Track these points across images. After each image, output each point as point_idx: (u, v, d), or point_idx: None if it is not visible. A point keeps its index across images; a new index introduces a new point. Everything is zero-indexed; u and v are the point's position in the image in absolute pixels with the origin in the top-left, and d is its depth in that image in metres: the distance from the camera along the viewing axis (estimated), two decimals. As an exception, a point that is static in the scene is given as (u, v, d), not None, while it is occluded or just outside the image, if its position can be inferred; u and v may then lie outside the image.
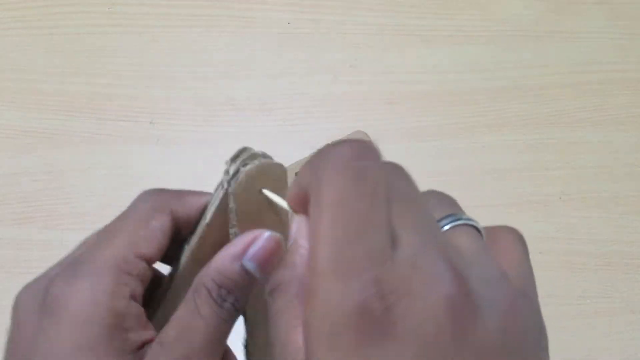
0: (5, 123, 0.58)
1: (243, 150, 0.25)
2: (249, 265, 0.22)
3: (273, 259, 0.22)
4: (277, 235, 0.23)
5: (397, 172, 0.20)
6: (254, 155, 0.24)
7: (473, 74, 0.61)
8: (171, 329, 0.22)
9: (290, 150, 0.57)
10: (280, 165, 0.25)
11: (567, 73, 0.62)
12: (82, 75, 0.60)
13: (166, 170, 0.56)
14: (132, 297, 0.23)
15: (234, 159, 0.24)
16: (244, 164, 0.24)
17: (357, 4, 0.65)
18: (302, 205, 0.19)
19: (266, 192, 0.24)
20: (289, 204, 0.21)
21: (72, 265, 0.23)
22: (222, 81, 0.60)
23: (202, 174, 0.56)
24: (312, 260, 0.17)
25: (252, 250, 0.22)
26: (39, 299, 0.22)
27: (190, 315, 0.22)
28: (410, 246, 0.17)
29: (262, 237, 0.22)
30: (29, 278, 0.48)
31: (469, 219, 0.21)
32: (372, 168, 0.18)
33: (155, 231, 0.24)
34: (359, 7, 0.64)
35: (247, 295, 0.23)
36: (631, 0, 0.66)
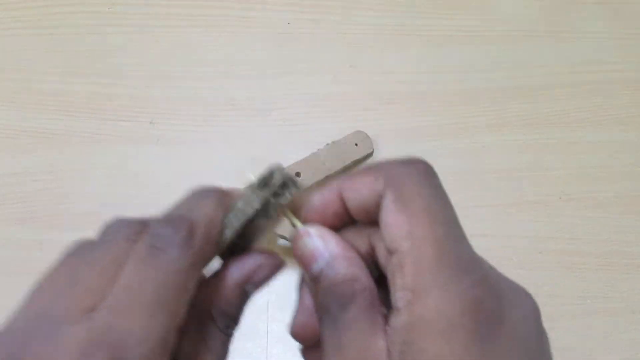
0: (5, 123, 0.58)
1: (273, 172, 0.25)
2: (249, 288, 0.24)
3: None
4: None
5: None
6: (286, 184, 0.24)
7: (473, 74, 0.61)
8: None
9: (290, 150, 0.57)
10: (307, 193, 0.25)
11: (567, 73, 0.62)
12: (82, 75, 0.60)
13: (166, 170, 0.56)
14: None
15: (265, 182, 0.24)
16: (277, 193, 0.24)
17: (357, 4, 0.65)
18: (364, 211, 0.21)
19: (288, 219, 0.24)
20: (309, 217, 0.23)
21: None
22: (222, 81, 0.60)
23: (202, 174, 0.56)
24: (419, 261, 0.18)
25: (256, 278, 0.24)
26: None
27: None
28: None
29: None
30: (29, 278, 0.48)
31: None
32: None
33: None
34: (359, 7, 0.64)
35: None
36: (631, 0, 0.66)
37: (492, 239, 0.54)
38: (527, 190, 0.56)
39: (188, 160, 0.57)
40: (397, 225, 0.20)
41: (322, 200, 0.23)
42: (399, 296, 0.19)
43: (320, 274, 0.21)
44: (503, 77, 0.61)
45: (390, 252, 0.20)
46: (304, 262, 0.23)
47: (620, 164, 0.58)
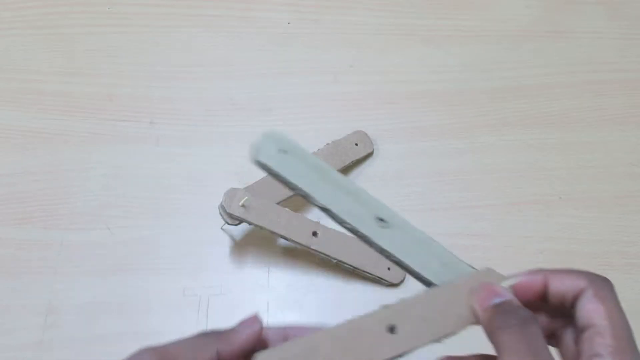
0: (5, 123, 0.58)
1: None
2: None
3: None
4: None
5: None
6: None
7: (473, 74, 0.61)
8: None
9: (290, 150, 0.57)
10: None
11: (567, 73, 0.62)
12: (82, 75, 0.60)
13: (166, 170, 0.56)
14: None
15: None
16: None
17: (357, 4, 0.65)
18: (561, 297, 0.29)
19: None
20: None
21: None
22: (222, 81, 0.60)
23: (202, 174, 0.56)
24: (616, 330, 0.27)
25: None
26: None
27: None
28: None
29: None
30: (29, 278, 0.48)
31: None
32: None
33: None
34: (359, 7, 0.64)
35: None
36: (631, 0, 0.66)
37: (492, 239, 0.54)
38: (527, 190, 0.56)
39: (188, 160, 0.57)
40: (597, 310, 0.27)
41: (530, 279, 0.30)
42: (601, 347, 0.27)
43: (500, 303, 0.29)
44: (503, 77, 0.61)
45: (585, 328, 0.27)
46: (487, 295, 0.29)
47: (620, 164, 0.58)
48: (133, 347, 0.27)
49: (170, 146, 0.57)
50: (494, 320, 0.28)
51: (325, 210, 0.29)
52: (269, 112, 0.59)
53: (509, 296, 0.29)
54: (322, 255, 0.50)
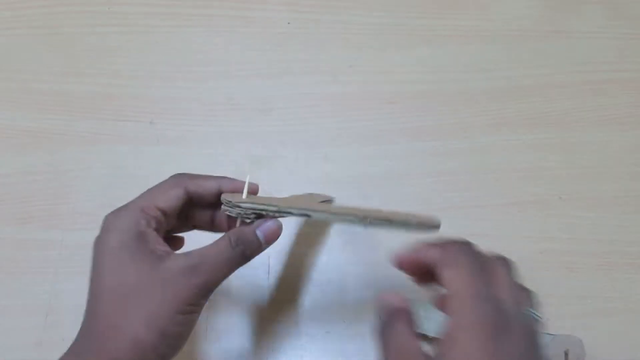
0: (5, 123, 0.58)
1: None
2: (259, 233, 0.38)
3: (273, 235, 0.39)
4: (280, 222, 0.39)
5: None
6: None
7: (473, 74, 0.61)
8: (199, 249, 0.36)
9: (290, 151, 0.57)
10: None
11: (567, 73, 0.62)
12: (82, 75, 0.60)
13: (166, 170, 0.56)
14: (149, 225, 0.36)
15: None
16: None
17: (357, 4, 0.65)
18: (416, 266, 0.35)
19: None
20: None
21: (119, 208, 0.37)
22: (222, 81, 0.60)
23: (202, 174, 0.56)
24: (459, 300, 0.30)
25: (264, 226, 0.38)
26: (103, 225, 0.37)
27: (214, 247, 0.37)
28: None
29: (272, 221, 0.39)
30: (29, 278, 0.48)
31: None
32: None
33: (170, 195, 0.38)
34: (359, 7, 0.64)
35: (253, 250, 0.38)
36: (631, 0, 0.66)
37: (492, 239, 0.53)
38: (527, 190, 0.56)
39: (188, 160, 0.57)
40: (451, 278, 0.31)
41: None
42: (448, 311, 0.30)
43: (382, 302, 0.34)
44: (503, 77, 0.61)
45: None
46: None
47: (620, 164, 0.58)
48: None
49: (170, 146, 0.57)
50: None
51: (305, 215, 0.39)
52: (269, 112, 0.59)
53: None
54: (347, 217, 0.40)
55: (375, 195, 0.56)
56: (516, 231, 0.54)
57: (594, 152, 0.58)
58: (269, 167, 0.57)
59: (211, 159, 0.57)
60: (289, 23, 0.63)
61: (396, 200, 0.55)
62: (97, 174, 0.56)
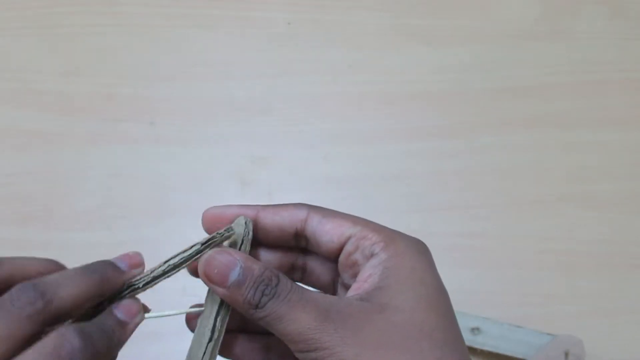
0: (5, 123, 0.58)
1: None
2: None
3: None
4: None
5: None
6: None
7: (473, 74, 0.61)
8: None
9: (290, 150, 0.57)
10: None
11: (567, 73, 0.62)
12: (82, 75, 0.60)
13: (166, 170, 0.56)
14: None
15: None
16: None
17: (357, 4, 0.65)
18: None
19: None
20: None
21: None
22: (222, 81, 0.60)
23: (202, 174, 0.56)
24: (380, 232, 0.28)
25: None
26: None
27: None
28: None
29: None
30: (29, 278, 0.47)
31: None
32: None
33: None
34: (359, 7, 0.64)
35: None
36: (631, 0, 0.66)
37: (492, 239, 0.54)
38: (527, 190, 0.56)
39: (188, 160, 0.57)
40: (339, 225, 0.28)
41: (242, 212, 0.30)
42: (371, 247, 0.27)
43: (239, 279, 0.26)
44: (503, 77, 0.61)
45: (335, 243, 0.28)
46: (220, 277, 0.27)
47: (620, 164, 0.58)
48: (133, 347, 0.27)
49: (170, 146, 0.57)
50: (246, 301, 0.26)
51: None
52: (269, 112, 0.59)
53: (240, 264, 0.26)
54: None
55: (375, 195, 0.56)
56: (516, 231, 0.54)
57: (594, 152, 0.58)
58: (269, 167, 0.57)
59: (211, 159, 0.57)
60: (289, 23, 0.63)
61: (396, 200, 0.55)
62: (97, 174, 0.56)
